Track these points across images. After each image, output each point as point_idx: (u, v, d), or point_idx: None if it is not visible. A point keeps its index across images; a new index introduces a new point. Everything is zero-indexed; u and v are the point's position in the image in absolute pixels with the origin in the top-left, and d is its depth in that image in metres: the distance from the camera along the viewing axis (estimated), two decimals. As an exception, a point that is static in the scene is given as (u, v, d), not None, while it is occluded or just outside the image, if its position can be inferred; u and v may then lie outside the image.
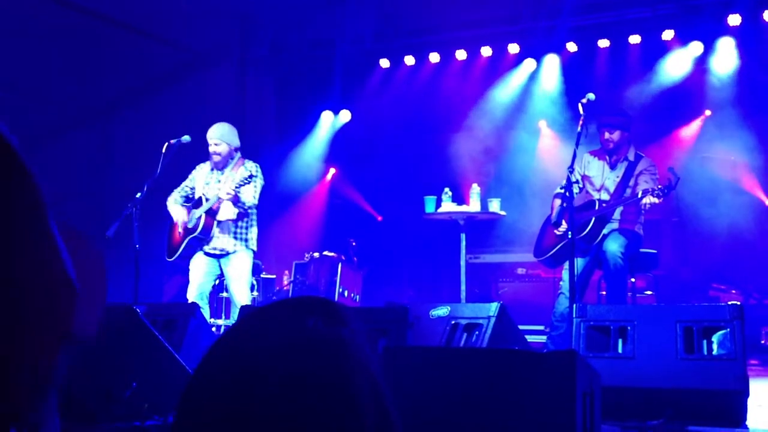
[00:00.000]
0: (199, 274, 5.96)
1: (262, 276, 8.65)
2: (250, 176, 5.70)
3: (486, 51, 9.19)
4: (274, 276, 9.16)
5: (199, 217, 5.88)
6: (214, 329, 5.79)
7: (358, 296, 9.10)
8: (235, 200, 5.78)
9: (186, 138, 5.89)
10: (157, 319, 4.61)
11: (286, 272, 9.31)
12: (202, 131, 6.12)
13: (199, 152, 6.19)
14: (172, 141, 5.84)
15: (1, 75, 8.01)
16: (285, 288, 9.17)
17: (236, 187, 5.68)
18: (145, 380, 3.66)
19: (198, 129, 6.16)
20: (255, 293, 8.13)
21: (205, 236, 5.88)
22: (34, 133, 8.67)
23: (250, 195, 5.87)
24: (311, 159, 10.43)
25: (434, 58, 9.49)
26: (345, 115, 10.24)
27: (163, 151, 5.81)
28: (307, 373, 0.84)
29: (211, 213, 5.87)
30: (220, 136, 5.99)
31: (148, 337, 3.89)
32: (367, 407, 0.84)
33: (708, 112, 8.58)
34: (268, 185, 9.68)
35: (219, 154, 5.98)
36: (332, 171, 10.67)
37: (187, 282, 6.03)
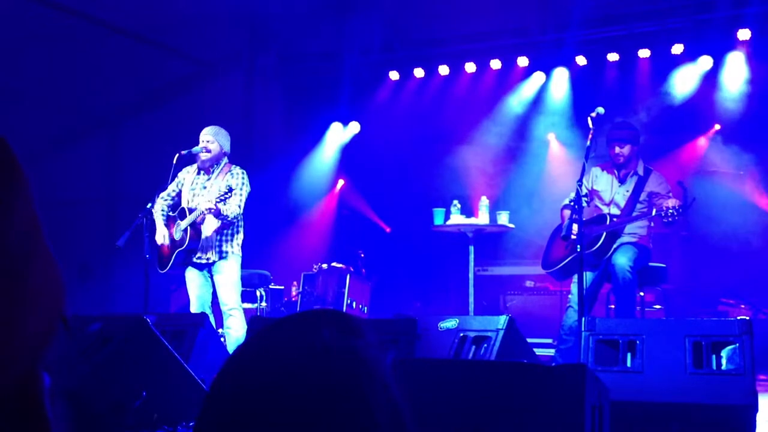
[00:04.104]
0: (196, 286, 5.91)
1: (270, 287, 8.65)
2: (230, 189, 5.66)
3: (495, 64, 9.23)
4: (282, 287, 9.16)
5: (185, 230, 5.81)
6: (222, 339, 5.78)
7: (366, 308, 9.10)
8: (217, 213, 5.68)
9: (197, 149, 5.87)
10: (166, 329, 4.63)
11: (295, 283, 9.32)
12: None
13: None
14: (183, 152, 5.82)
15: (11, 84, 8.07)
16: (293, 299, 9.17)
17: (217, 202, 5.62)
18: (154, 390, 3.68)
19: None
20: (263, 304, 8.13)
21: (193, 248, 5.82)
22: (44, 142, 8.72)
23: (234, 206, 5.77)
24: (320, 170, 10.46)
25: (443, 70, 9.52)
26: (354, 127, 10.27)
27: (174, 162, 5.80)
28: (323, 384, 0.85)
29: (196, 225, 5.81)
30: (214, 134, 5.95)
31: (158, 347, 3.91)
32: (383, 418, 0.85)
33: (717, 126, 8.57)
34: (277, 196, 9.79)
35: (209, 152, 5.89)
36: (341, 182, 10.69)
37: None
